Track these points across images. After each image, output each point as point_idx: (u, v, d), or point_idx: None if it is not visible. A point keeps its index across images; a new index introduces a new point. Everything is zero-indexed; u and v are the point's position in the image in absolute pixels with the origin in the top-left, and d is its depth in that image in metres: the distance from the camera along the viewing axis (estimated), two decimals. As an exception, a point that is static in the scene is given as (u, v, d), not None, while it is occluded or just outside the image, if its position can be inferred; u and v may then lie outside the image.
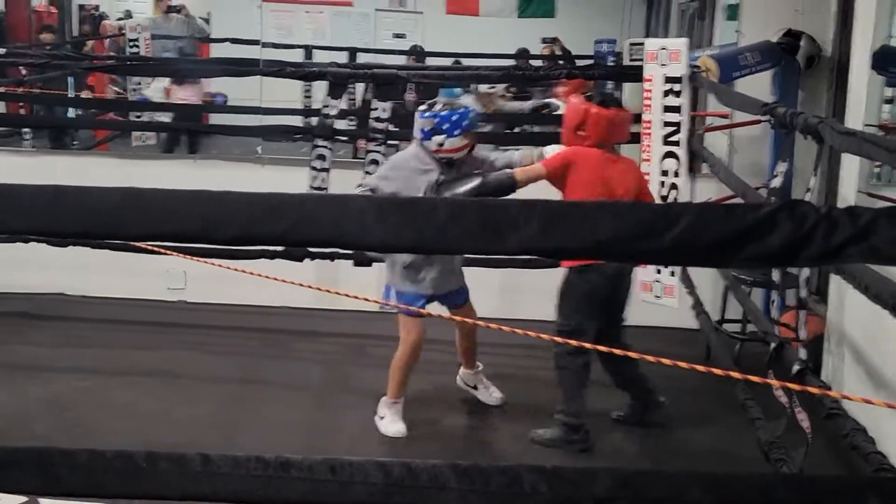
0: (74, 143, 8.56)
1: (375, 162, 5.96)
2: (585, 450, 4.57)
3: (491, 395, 5.15)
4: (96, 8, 10.31)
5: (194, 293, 6.78)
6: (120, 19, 9.12)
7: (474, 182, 4.31)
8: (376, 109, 6.01)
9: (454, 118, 4.45)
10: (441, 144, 4.47)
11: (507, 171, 4.47)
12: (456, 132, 4.45)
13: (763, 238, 1.04)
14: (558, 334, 4.31)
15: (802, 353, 3.24)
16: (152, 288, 6.73)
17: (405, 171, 4.56)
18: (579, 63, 8.33)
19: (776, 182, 3.84)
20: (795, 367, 3.19)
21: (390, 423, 4.77)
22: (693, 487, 1.27)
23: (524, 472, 1.31)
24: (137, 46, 8.23)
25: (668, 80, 5.44)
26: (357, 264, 5.99)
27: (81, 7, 10.60)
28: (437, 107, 4.53)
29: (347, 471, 1.35)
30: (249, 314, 6.54)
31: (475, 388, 5.18)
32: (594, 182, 4.42)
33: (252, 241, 1.15)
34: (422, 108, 4.58)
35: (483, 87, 7.16)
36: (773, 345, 3.53)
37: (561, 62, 8.99)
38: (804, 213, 1.04)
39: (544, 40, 9.72)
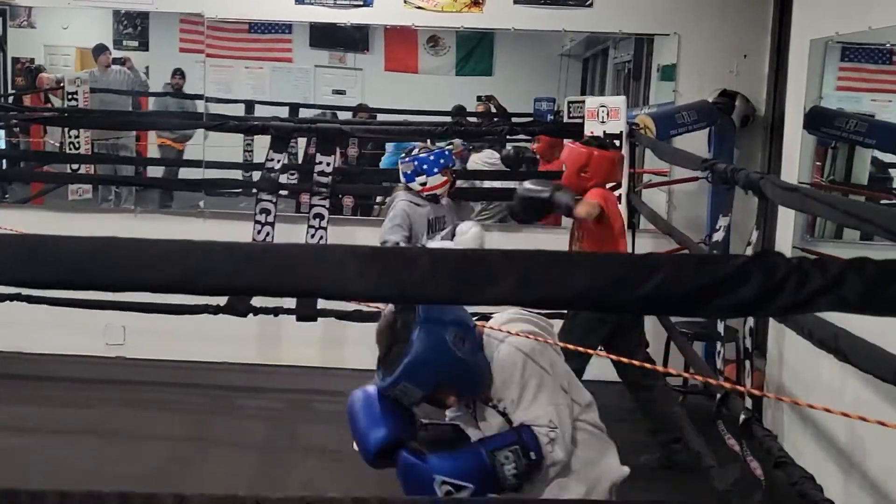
0: (6, 196, 8.42)
1: (320, 216, 6.00)
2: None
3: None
4: (31, 61, 10.19)
5: (133, 349, 6.67)
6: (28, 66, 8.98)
7: (546, 190, 4.75)
8: (320, 164, 6.03)
9: (431, 158, 5.07)
10: (424, 183, 5.04)
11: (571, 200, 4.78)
12: (435, 170, 5.04)
13: (736, 289, 1.07)
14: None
15: (748, 403, 3.29)
16: (90, 344, 6.61)
17: (406, 212, 5.02)
18: (516, 120, 8.43)
19: (718, 236, 3.93)
20: (742, 417, 3.23)
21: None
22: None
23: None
24: (76, 99, 8.15)
25: (608, 136, 5.55)
26: (300, 319, 5.95)
27: (16, 60, 10.46)
28: (415, 151, 5.12)
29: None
30: (190, 370, 6.45)
31: None
32: (618, 215, 4.95)
33: (233, 290, 1.16)
34: (402, 156, 5.17)
35: (457, 142, 7.29)
36: (718, 396, 3.58)
37: (497, 119, 9.10)
38: (775, 264, 1.08)
39: (479, 98, 9.84)
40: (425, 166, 5.05)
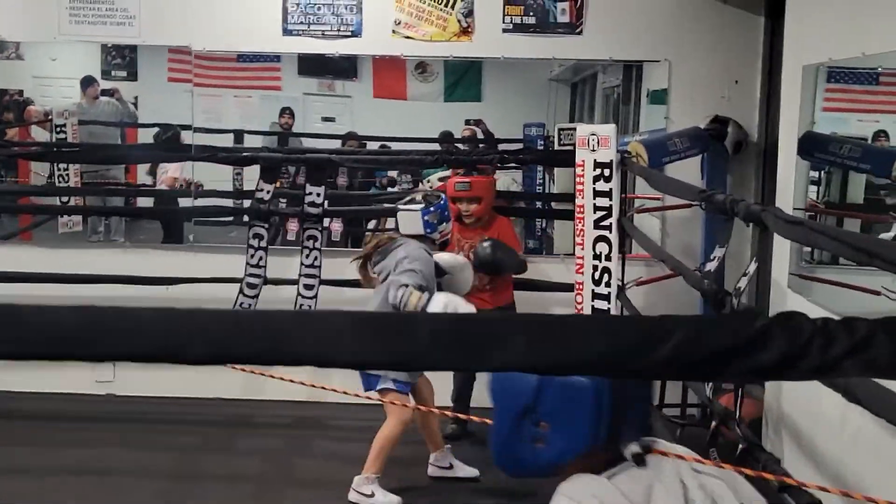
0: (-7, 230, 8.33)
1: (313, 237, 6.11)
2: None
3: (466, 471, 5.12)
4: (20, 93, 10.10)
5: (123, 385, 6.56)
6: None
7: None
8: (310, 194, 6.00)
9: (446, 204, 5.02)
10: (444, 232, 4.98)
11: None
12: (450, 216, 5.08)
13: (757, 352, 1.01)
14: None
15: (745, 431, 3.21)
16: (79, 381, 6.50)
17: (427, 260, 4.79)
18: (508, 146, 8.37)
19: (712, 266, 3.88)
20: (740, 447, 3.15)
21: (383, 497, 4.72)
22: None
23: None
24: (65, 132, 8.08)
25: (599, 164, 5.47)
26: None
27: (4, 92, 10.40)
28: (432, 199, 4.96)
29: None
30: (181, 405, 6.35)
31: (450, 467, 5.13)
32: None
33: (224, 360, 1.09)
34: (416, 206, 4.90)
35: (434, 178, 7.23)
36: (713, 423, 3.50)
37: (484, 145, 9.06)
38: (799, 325, 1.01)
39: (468, 122, 9.82)
40: (447, 213, 5.00)
